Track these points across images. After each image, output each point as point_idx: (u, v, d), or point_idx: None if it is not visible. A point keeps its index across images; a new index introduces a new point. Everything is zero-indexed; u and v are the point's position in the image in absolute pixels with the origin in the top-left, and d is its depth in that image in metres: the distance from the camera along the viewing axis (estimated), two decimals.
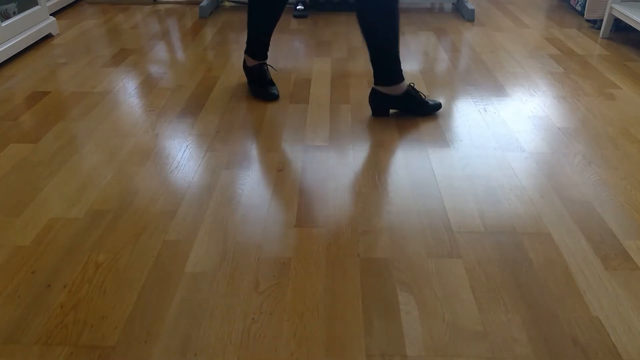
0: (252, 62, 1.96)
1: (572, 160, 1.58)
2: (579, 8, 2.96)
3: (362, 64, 2.31)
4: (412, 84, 1.82)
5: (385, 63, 1.74)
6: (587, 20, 2.87)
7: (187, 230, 1.28)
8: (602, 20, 2.67)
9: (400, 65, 1.76)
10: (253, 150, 1.63)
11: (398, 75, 1.77)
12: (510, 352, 0.97)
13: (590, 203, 1.38)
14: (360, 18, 1.70)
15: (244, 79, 2.15)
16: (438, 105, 1.86)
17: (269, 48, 1.99)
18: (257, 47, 1.93)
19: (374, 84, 1.80)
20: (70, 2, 3.15)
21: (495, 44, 2.56)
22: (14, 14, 2.38)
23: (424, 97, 1.84)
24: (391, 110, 1.86)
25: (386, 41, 1.70)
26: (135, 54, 2.42)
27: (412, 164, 1.56)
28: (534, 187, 1.45)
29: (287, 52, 2.45)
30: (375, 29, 1.69)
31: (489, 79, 2.15)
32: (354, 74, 2.20)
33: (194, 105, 1.93)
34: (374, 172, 1.52)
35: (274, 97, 1.95)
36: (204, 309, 1.06)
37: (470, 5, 2.94)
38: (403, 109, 1.84)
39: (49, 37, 2.62)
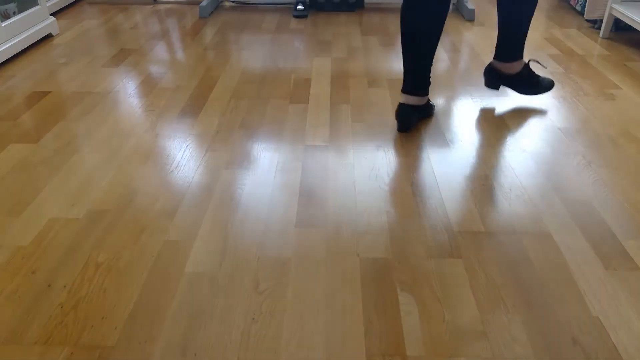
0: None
1: (572, 160, 1.58)
2: (579, 8, 2.96)
3: (362, 64, 2.31)
4: (531, 60, 1.91)
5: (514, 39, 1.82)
6: (587, 20, 2.87)
7: (187, 230, 1.28)
8: (602, 20, 2.67)
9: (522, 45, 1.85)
10: (253, 150, 1.63)
11: (520, 53, 1.85)
12: (510, 352, 0.97)
13: (590, 203, 1.38)
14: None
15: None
16: (551, 84, 1.94)
17: None
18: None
19: (495, 59, 1.89)
20: (70, 2, 3.15)
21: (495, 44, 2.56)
22: (14, 14, 2.38)
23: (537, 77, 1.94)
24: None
25: (521, 20, 1.77)
26: (135, 54, 2.42)
27: (412, 164, 1.56)
28: (534, 187, 1.45)
29: (287, 52, 2.45)
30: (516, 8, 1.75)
31: None
32: (354, 74, 2.20)
33: (194, 105, 1.93)
34: (374, 172, 1.52)
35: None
36: (204, 309, 1.06)
37: (470, 5, 2.94)
38: (513, 87, 1.94)
39: (49, 37, 2.62)
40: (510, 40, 1.82)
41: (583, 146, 1.65)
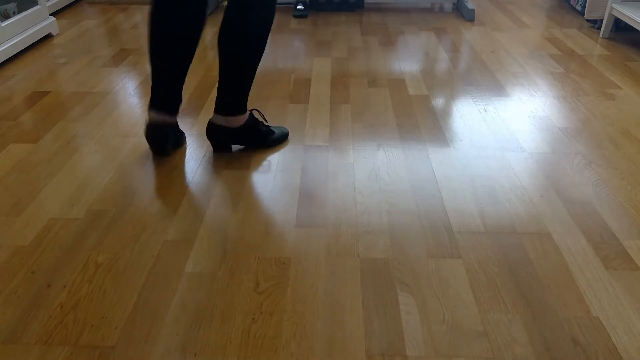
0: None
1: (572, 160, 1.58)
2: (579, 8, 2.96)
3: (362, 64, 2.31)
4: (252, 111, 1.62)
5: (235, 91, 1.50)
6: (588, 20, 2.87)
7: (187, 230, 1.28)
8: (602, 20, 2.67)
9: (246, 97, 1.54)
10: (253, 151, 1.63)
11: (242, 106, 1.54)
12: (510, 352, 0.97)
13: (590, 203, 1.38)
14: (222, 37, 1.43)
15: None
16: (285, 135, 1.68)
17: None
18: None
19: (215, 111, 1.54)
20: (70, 2, 3.15)
21: (495, 44, 2.56)
22: (14, 13, 2.38)
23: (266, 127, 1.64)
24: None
25: (244, 68, 1.47)
26: (135, 54, 2.42)
27: (412, 164, 1.56)
28: (534, 187, 1.45)
29: (287, 52, 2.45)
30: (238, 52, 1.44)
31: (489, 79, 2.15)
32: (354, 73, 2.20)
33: (194, 105, 1.93)
34: (374, 172, 1.52)
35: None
36: (204, 309, 1.06)
37: (470, 5, 2.94)
38: (245, 143, 1.62)
39: (48, 37, 2.62)
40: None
41: (583, 146, 1.65)
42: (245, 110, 1.55)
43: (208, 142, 1.67)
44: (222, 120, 1.54)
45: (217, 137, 1.57)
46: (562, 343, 0.99)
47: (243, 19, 1.39)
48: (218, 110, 1.53)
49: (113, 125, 1.78)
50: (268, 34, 1.45)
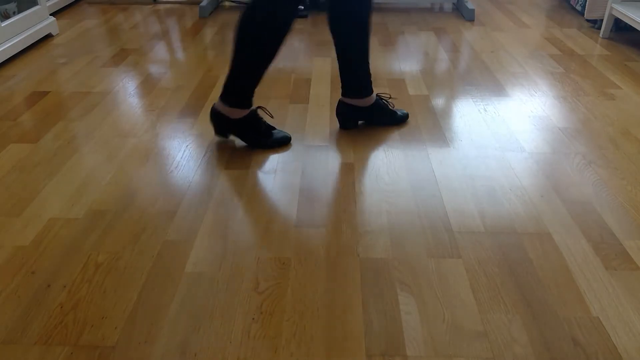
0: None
1: (572, 160, 1.58)
2: (579, 8, 2.96)
3: None
4: (380, 95, 1.75)
5: (356, 75, 1.65)
6: (588, 20, 2.87)
7: (187, 230, 1.28)
8: (602, 20, 2.67)
9: (370, 78, 1.68)
10: (253, 150, 1.63)
11: (368, 88, 1.69)
12: (510, 352, 0.97)
13: (590, 203, 1.38)
14: (332, 25, 1.58)
15: None
16: (405, 116, 1.80)
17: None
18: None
19: (342, 95, 1.70)
20: (70, 2, 3.15)
21: (495, 44, 2.56)
22: (14, 13, 2.38)
23: (392, 107, 1.78)
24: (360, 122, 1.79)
25: (359, 52, 1.61)
26: (135, 54, 2.42)
27: (412, 164, 1.56)
28: (534, 187, 1.45)
29: (287, 52, 2.45)
30: (349, 38, 1.58)
31: (489, 79, 2.15)
32: None
33: (194, 105, 1.93)
34: (374, 172, 1.52)
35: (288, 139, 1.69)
36: (204, 309, 1.06)
37: (470, 5, 2.94)
38: (370, 120, 1.77)
39: (48, 37, 2.62)
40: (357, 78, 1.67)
41: (583, 146, 1.65)
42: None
43: (208, 142, 1.67)
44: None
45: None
46: (562, 343, 0.99)
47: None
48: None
49: (113, 125, 1.78)
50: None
